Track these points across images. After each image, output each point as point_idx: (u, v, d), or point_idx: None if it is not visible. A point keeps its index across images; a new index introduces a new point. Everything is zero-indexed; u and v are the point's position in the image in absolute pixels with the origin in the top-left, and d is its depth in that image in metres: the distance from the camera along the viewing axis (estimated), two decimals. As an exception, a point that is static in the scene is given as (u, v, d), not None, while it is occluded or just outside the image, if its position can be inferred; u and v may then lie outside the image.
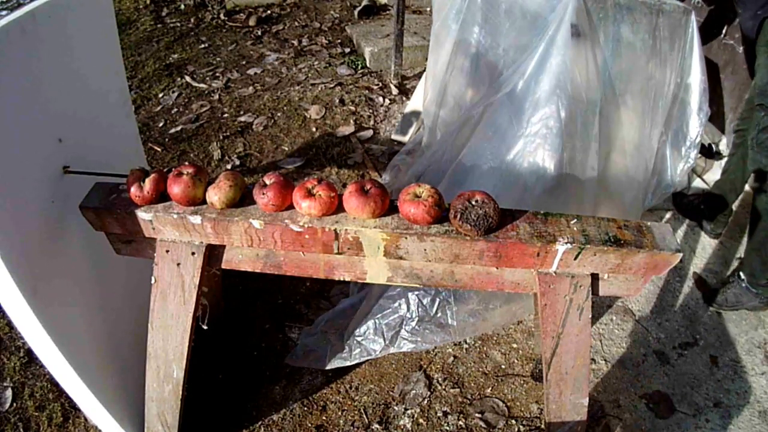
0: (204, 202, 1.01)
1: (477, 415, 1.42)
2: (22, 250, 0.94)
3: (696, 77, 1.77)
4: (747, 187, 2.06)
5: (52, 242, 1.03)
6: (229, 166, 2.25)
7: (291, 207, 1.00)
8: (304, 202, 0.97)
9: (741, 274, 1.69)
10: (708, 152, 2.31)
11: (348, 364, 1.53)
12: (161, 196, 1.01)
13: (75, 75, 1.07)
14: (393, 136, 2.48)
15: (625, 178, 1.84)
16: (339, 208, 1.00)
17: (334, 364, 1.52)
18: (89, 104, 1.12)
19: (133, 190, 0.99)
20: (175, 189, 0.98)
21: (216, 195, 0.98)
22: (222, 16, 3.53)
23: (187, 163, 1.04)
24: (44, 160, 1.00)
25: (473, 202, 0.96)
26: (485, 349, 1.59)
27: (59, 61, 1.02)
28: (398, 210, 0.98)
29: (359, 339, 1.55)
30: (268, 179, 1.00)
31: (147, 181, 0.99)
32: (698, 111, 1.83)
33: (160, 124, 2.50)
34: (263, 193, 0.98)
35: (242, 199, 1.02)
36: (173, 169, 1.00)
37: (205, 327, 1.24)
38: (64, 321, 1.05)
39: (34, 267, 0.97)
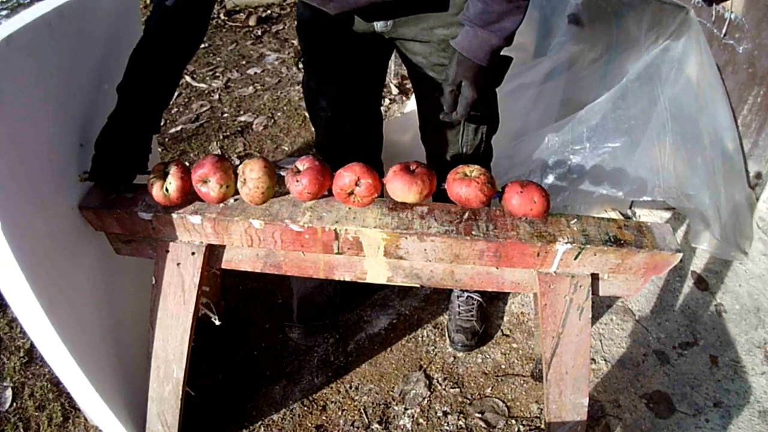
0: (236, 192, 0.96)
1: (477, 415, 1.42)
2: (42, 256, 0.92)
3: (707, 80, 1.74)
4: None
5: (70, 247, 1.02)
6: (229, 166, 2.25)
7: (329, 194, 0.92)
8: None
9: None
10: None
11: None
12: (187, 199, 0.99)
13: (98, 76, 1.04)
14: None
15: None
16: (382, 194, 0.95)
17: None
18: (110, 107, 1.11)
19: (155, 192, 0.97)
20: (204, 189, 0.95)
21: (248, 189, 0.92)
22: (222, 16, 3.52)
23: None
24: (67, 165, 0.98)
25: None
26: (485, 349, 1.59)
27: (84, 62, 0.99)
28: (446, 193, 0.94)
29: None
30: (301, 164, 0.91)
31: (171, 189, 0.96)
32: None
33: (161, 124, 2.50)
34: (297, 180, 0.89)
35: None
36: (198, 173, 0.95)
37: (218, 322, 1.22)
38: (75, 323, 1.04)
39: (52, 273, 0.95)
